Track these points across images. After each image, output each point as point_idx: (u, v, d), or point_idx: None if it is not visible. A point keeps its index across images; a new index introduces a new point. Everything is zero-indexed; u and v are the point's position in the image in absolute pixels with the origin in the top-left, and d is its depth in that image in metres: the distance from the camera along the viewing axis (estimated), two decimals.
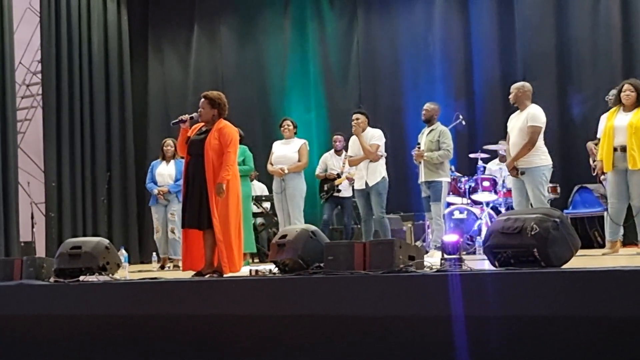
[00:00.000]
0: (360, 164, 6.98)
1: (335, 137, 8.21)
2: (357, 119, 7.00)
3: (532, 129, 6.03)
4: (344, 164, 7.96)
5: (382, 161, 6.98)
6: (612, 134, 5.76)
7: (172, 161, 7.78)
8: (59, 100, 9.87)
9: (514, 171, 6.11)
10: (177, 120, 5.30)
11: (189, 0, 11.08)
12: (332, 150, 8.22)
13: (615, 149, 5.75)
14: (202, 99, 5.28)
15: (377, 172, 6.88)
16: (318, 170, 8.14)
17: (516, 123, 6.19)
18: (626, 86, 5.79)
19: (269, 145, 7.72)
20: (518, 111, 6.28)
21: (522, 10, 8.87)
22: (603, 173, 6.01)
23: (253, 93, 10.44)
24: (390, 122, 9.65)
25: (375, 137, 6.98)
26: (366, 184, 6.89)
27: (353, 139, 7.09)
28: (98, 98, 10.37)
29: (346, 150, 7.93)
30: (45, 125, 9.81)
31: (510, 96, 6.25)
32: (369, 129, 7.03)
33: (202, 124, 5.31)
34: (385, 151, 7.11)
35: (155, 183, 7.75)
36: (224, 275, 5.04)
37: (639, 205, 5.67)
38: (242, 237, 5.30)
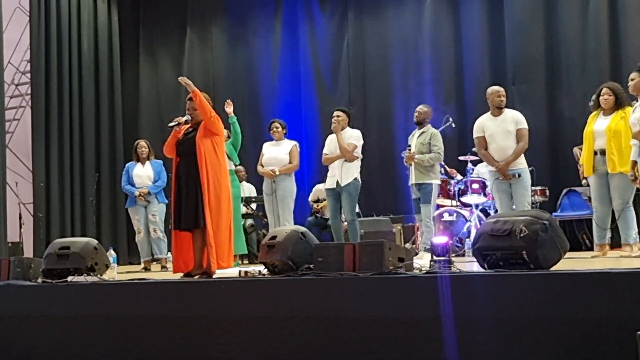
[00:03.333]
0: (335, 162, 6.94)
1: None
2: (338, 116, 6.96)
3: (523, 132, 6.21)
4: None
5: (358, 163, 6.92)
6: (592, 138, 5.82)
7: (147, 162, 7.75)
8: (48, 100, 9.82)
9: (509, 174, 6.12)
10: (174, 123, 5.28)
11: (181, 2, 11.07)
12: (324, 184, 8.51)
13: (595, 153, 5.80)
14: (192, 101, 5.29)
15: (350, 173, 6.80)
16: (311, 198, 8.81)
17: (498, 126, 6.24)
18: (604, 90, 5.84)
19: (258, 147, 7.72)
20: (488, 115, 6.34)
21: (511, 14, 8.91)
22: (585, 177, 6.08)
23: (244, 94, 10.44)
24: (380, 124, 9.69)
25: (354, 137, 6.95)
26: (337, 183, 6.86)
27: (331, 136, 7.06)
28: (87, 98, 10.33)
29: None
30: (33, 125, 9.76)
31: (504, 99, 6.27)
32: (348, 128, 7.00)
33: (188, 125, 5.32)
34: (364, 153, 7.07)
35: (133, 185, 7.71)
36: (214, 276, 5.03)
37: (620, 209, 5.72)
38: (232, 234, 5.29)
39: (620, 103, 5.77)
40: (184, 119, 5.28)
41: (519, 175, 6.16)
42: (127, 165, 7.94)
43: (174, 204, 5.23)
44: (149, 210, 7.62)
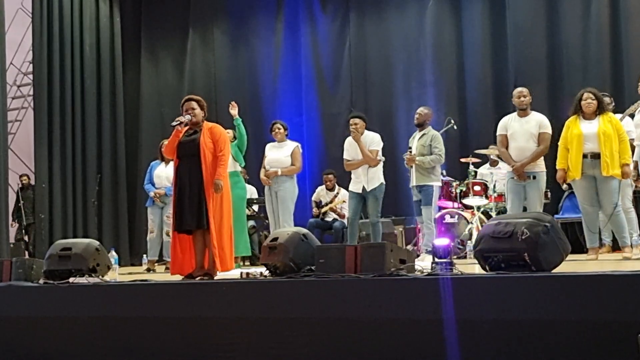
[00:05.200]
0: (359, 168, 6.93)
1: (325, 176, 8.77)
2: (356, 123, 6.89)
3: (546, 136, 6.19)
4: (332, 199, 8.60)
5: (380, 165, 6.94)
6: (581, 141, 5.81)
7: (170, 163, 7.75)
8: (50, 102, 9.84)
9: (524, 175, 6.11)
10: (178, 122, 5.28)
11: (182, 3, 11.07)
12: (324, 187, 8.81)
13: (585, 156, 5.81)
14: (191, 102, 5.31)
15: (376, 178, 6.83)
16: (314, 197, 8.92)
17: (521, 127, 6.20)
18: (586, 94, 5.87)
19: (260, 149, 7.72)
20: (514, 115, 6.30)
21: (513, 17, 8.91)
22: (565, 181, 6.08)
23: (245, 96, 10.43)
24: (381, 126, 9.64)
25: (375, 142, 6.93)
26: (363, 188, 6.86)
27: (349, 141, 7.01)
28: (89, 99, 10.35)
29: (339, 185, 8.27)
30: (35, 126, 9.77)
31: (525, 99, 6.26)
32: (367, 132, 6.96)
33: (188, 127, 5.32)
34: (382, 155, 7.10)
35: (153, 184, 7.71)
36: (215, 277, 5.03)
37: (610, 213, 5.74)
38: (233, 237, 5.30)
39: (602, 108, 5.84)
40: (186, 118, 5.28)
41: (534, 177, 6.14)
42: (151, 164, 7.95)
43: (174, 205, 5.22)
44: (165, 211, 7.62)
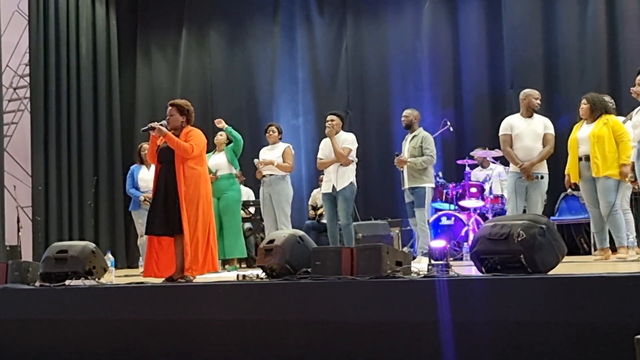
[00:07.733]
0: (330, 167, 6.93)
1: (321, 176, 8.62)
2: (332, 120, 6.96)
3: (550, 137, 6.23)
4: None
5: (353, 166, 6.91)
6: (575, 145, 5.97)
7: (152, 166, 7.74)
8: (46, 104, 9.83)
9: (532, 175, 6.10)
10: (147, 127, 5.28)
11: (178, 5, 11.08)
12: (319, 189, 8.74)
13: (580, 159, 5.95)
14: (170, 107, 5.30)
15: (345, 177, 6.80)
16: (310, 202, 9.00)
17: (528, 127, 6.21)
18: (582, 99, 6.04)
19: (256, 151, 7.72)
20: (518, 115, 6.30)
21: (510, 19, 8.93)
22: (570, 186, 6.21)
23: (242, 98, 10.44)
24: (378, 129, 9.70)
25: (348, 141, 6.94)
26: (333, 187, 6.85)
27: (325, 141, 7.05)
28: (86, 102, 10.34)
29: None
30: (32, 128, 9.76)
31: (539, 102, 6.28)
32: (342, 132, 7.00)
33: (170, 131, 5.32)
34: (362, 156, 7.07)
35: (137, 188, 7.70)
36: (194, 280, 5.03)
37: (606, 212, 5.79)
38: (214, 239, 5.27)
39: (594, 110, 5.91)
40: (157, 123, 5.26)
41: (541, 178, 6.15)
42: (131, 168, 7.91)
43: (151, 208, 5.25)
44: None
